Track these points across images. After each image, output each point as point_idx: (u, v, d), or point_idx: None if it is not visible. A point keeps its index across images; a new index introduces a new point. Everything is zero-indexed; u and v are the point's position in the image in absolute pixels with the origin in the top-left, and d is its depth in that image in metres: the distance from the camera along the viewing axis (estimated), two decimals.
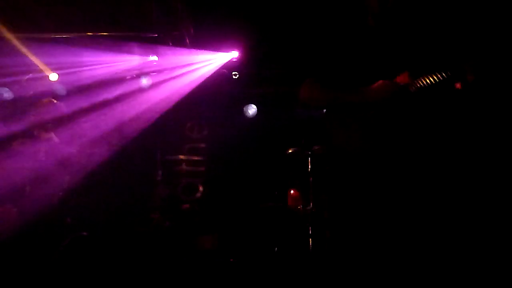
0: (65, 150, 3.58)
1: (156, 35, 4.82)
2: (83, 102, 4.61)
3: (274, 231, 4.46)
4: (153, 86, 5.40)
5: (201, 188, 5.73)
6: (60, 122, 3.66)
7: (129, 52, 5.12)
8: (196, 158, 5.89)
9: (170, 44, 4.97)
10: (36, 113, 3.61)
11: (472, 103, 1.98)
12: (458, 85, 1.86)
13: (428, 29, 2.00)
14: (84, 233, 3.40)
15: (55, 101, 3.74)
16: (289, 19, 4.45)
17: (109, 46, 4.86)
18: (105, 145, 4.32)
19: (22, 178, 3.31)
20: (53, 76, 5.03)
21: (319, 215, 4.03)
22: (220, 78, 5.51)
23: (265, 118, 5.75)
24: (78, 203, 3.68)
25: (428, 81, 1.86)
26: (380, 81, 1.95)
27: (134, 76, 5.40)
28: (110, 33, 4.74)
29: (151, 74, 5.46)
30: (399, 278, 1.90)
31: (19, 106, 4.24)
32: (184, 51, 5.06)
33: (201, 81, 5.38)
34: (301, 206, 4.26)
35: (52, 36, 4.69)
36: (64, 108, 3.77)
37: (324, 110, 2.12)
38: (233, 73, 5.55)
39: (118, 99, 5.11)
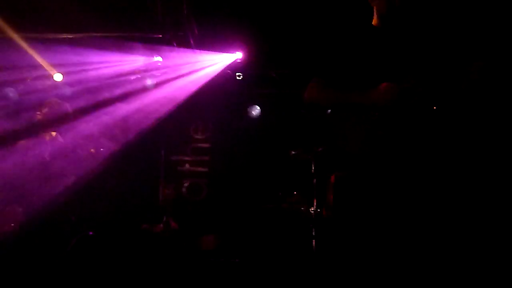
0: (70, 149, 3.59)
1: (161, 35, 4.83)
2: (87, 102, 4.62)
3: (277, 232, 4.45)
4: (157, 86, 5.41)
5: (205, 189, 5.74)
6: (65, 121, 3.67)
7: (134, 52, 5.13)
8: (200, 158, 5.90)
9: (175, 44, 4.98)
10: (41, 113, 3.62)
11: (477, 106, 1.97)
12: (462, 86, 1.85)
13: (435, 31, 2.00)
14: (90, 233, 3.41)
15: (59, 101, 3.76)
16: (294, 20, 4.44)
17: (113, 47, 4.87)
18: (110, 145, 4.33)
19: (27, 178, 3.32)
20: (58, 76, 5.04)
21: (323, 216, 4.02)
22: (224, 79, 5.52)
23: (269, 119, 5.75)
24: (83, 203, 3.69)
25: (425, 87, 1.87)
26: (386, 84, 1.94)
27: (139, 76, 5.41)
28: (114, 34, 4.75)
29: (156, 74, 5.47)
30: (401, 278, 1.90)
31: (24, 106, 4.26)
32: (189, 52, 5.07)
33: (205, 82, 5.39)
34: (304, 208, 4.26)
35: (57, 36, 4.72)
36: (68, 107, 3.78)
37: (329, 111, 2.12)
38: (237, 74, 5.56)
39: (123, 99, 5.12)
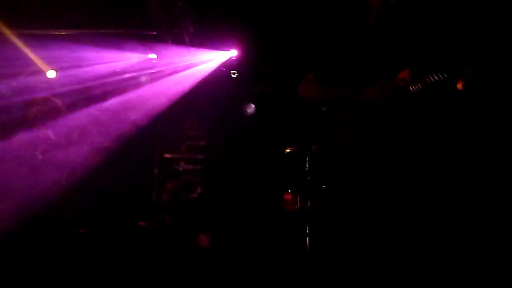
0: (63, 148, 3.57)
1: (155, 33, 4.81)
2: (81, 99, 4.59)
3: (271, 230, 4.46)
4: (152, 84, 5.38)
5: (199, 186, 5.73)
6: (58, 119, 3.64)
7: (128, 49, 5.11)
8: (195, 156, 5.88)
9: (169, 42, 4.96)
10: (32, 110, 3.60)
11: (472, 102, 1.98)
12: (459, 85, 1.85)
13: (430, 28, 2.00)
14: (81, 230, 3.39)
15: (51, 98, 3.73)
16: (290, 17, 4.44)
17: (108, 44, 4.84)
18: (104, 143, 4.31)
19: (19, 176, 3.30)
20: (51, 73, 5.01)
21: (317, 214, 4.02)
22: (219, 76, 5.50)
23: (264, 117, 5.74)
24: (76, 200, 3.68)
25: (428, 81, 1.86)
26: (381, 82, 1.94)
27: (133, 74, 5.39)
28: (109, 31, 4.73)
29: (150, 72, 5.44)
30: (395, 275, 1.90)
31: (16, 102, 4.22)
32: (183, 49, 5.05)
33: (200, 80, 5.37)
34: (299, 205, 4.26)
35: (51, 33, 4.68)
36: (61, 105, 3.76)
37: (323, 109, 2.11)
38: (232, 71, 5.55)
39: (117, 96, 5.10)
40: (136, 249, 4.07)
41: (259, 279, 3.74)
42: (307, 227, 4.01)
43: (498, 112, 2.10)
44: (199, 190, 5.73)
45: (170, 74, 5.41)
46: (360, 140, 1.97)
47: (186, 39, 4.94)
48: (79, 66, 4.98)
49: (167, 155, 5.84)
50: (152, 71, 5.43)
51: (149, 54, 5.29)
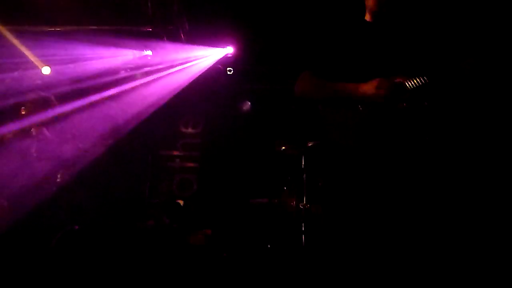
0: (57, 145, 3.55)
1: (151, 29, 4.79)
2: (76, 97, 4.56)
3: (267, 227, 4.46)
4: (147, 81, 5.36)
5: (195, 184, 5.72)
6: (52, 117, 3.62)
7: (123, 46, 5.08)
8: (190, 153, 5.87)
9: (165, 38, 4.94)
10: (28, 107, 3.57)
11: (468, 101, 1.98)
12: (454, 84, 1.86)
13: (426, 25, 2.00)
14: (76, 227, 3.38)
15: (46, 95, 3.71)
16: (286, 14, 4.43)
17: (103, 40, 4.81)
18: (99, 140, 4.29)
19: (13, 173, 3.28)
20: (46, 70, 4.98)
21: (312, 211, 4.03)
22: (215, 73, 5.49)
23: (260, 114, 5.74)
24: (71, 198, 3.66)
25: (417, 82, 1.87)
26: (378, 78, 1.94)
27: (128, 70, 5.36)
28: (104, 27, 4.70)
29: (145, 69, 5.42)
30: (392, 274, 1.91)
31: (11, 100, 4.19)
32: (179, 46, 5.04)
33: (195, 77, 5.36)
34: (294, 203, 4.27)
35: (45, 29, 4.65)
36: (56, 102, 3.73)
37: (319, 106, 2.11)
38: (228, 68, 5.54)
39: (112, 93, 5.07)
40: (131, 247, 4.06)
41: (255, 276, 3.74)
42: (303, 224, 4.01)
43: (494, 108, 2.10)
44: (194, 187, 5.72)
45: (165, 71, 5.39)
46: (356, 136, 1.97)
47: (182, 36, 4.93)
48: (74, 63, 4.95)
49: (162, 153, 5.83)
50: (147, 68, 5.41)
51: (144, 51, 5.26)
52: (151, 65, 5.40)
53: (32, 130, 3.51)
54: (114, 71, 5.21)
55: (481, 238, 2.00)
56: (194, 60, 5.35)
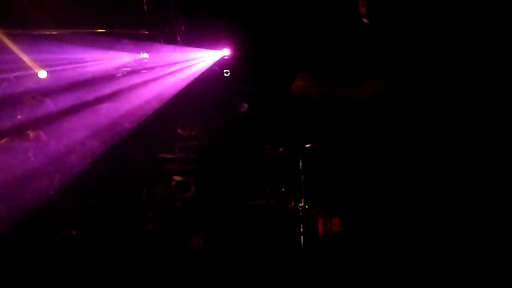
0: (54, 148, 3.54)
1: (147, 32, 4.78)
2: (72, 100, 4.55)
3: (265, 229, 4.45)
4: (144, 84, 5.35)
5: (193, 187, 5.71)
6: (49, 120, 3.61)
7: (120, 49, 5.07)
8: (188, 156, 5.86)
9: (161, 41, 4.93)
10: (25, 111, 3.56)
11: (465, 100, 1.98)
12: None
13: (423, 26, 2.00)
14: (73, 232, 3.37)
15: (41, 99, 3.69)
16: (283, 15, 4.43)
17: (99, 43, 4.80)
18: (96, 143, 4.28)
19: (11, 176, 3.26)
20: (42, 73, 4.96)
21: (311, 212, 4.03)
22: (211, 76, 5.49)
23: (257, 116, 5.74)
24: (68, 202, 3.64)
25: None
26: (375, 78, 1.94)
27: (125, 73, 5.35)
28: (100, 30, 4.69)
29: (142, 71, 5.41)
30: (392, 274, 1.90)
31: (7, 104, 4.18)
32: (175, 48, 5.03)
33: (192, 79, 5.35)
34: (293, 204, 4.26)
35: (41, 33, 4.64)
36: (52, 106, 3.72)
37: (317, 105, 2.11)
38: (225, 70, 5.53)
39: (109, 97, 5.06)
40: (130, 250, 4.05)
41: (254, 278, 3.73)
42: (301, 226, 4.01)
43: (491, 108, 2.11)
44: (192, 190, 5.71)
45: (162, 73, 5.38)
46: (353, 136, 1.97)
47: (178, 39, 4.92)
48: (70, 66, 4.93)
49: (160, 155, 5.82)
50: (144, 71, 5.40)
51: (141, 53, 5.26)
52: (147, 68, 5.39)
53: (29, 134, 3.50)
54: (110, 74, 5.20)
55: (479, 238, 2.00)
56: (191, 62, 5.34)
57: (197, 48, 5.15)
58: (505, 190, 2.04)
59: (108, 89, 5.07)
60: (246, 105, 5.83)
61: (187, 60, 5.32)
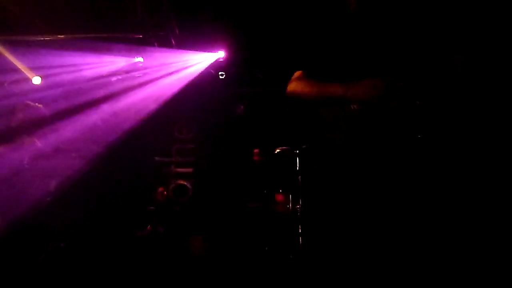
0: (50, 155, 3.52)
1: (141, 36, 4.78)
2: (68, 105, 4.54)
3: (264, 230, 4.45)
4: (139, 87, 5.35)
5: (190, 190, 5.70)
6: (43, 126, 3.59)
7: (114, 53, 5.07)
8: (185, 159, 5.86)
9: (156, 45, 4.93)
10: (19, 118, 3.54)
11: (460, 100, 1.98)
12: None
13: (417, 25, 2.00)
14: (62, 244, 3.36)
15: (35, 105, 3.67)
16: (276, 17, 4.43)
17: (94, 48, 4.80)
18: (92, 149, 4.26)
19: (6, 185, 3.24)
20: (36, 79, 4.95)
21: (308, 213, 4.03)
22: (207, 78, 5.48)
23: (253, 118, 5.74)
24: (65, 208, 3.62)
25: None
26: (370, 78, 1.94)
27: (120, 77, 5.35)
28: (94, 35, 4.69)
29: (137, 75, 5.41)
30: (389, 275, 1.90)
31: (1, 111, 4.17)
32: (170, 51, 5.03)
33: (188, 82, 5.35)
34: (290, 206, 4.26)
35: (36, 39, 4.63)
36: (47, 112, 3.70)
37: (312, 106, 2.10)
38: (220, 73, 5.53)
39: (104, 101, 5.05)
40: (127, 254, 4.03)
41: (252, 280, 3.73)
42: (300, 227, 4.01)
43: (487, 106, 2.10)
44: (190, 193, 5.70)
45: (157, 77, 5.37)
46: (348, 136, 1.96)
47: (173, 42, 4.92)
48: (65, 72, 4.93)
49: (157, 159, 5.81)
50: (139, 74, 5.40)
51: (135, 57, 5.25)
52: (142, 72, 5.39)
53: (23, 140, 3.48)
54: (105, 78, 5.19)
55: (477, 238, 2.00)
56: (185, 65, 5.34)
57: (192, 51, 5.15)
58: (503, 190, 2.04)
59: (103, 93, 5.07)
60: (241, 106, 5.83)
61: (182, 63, 5.32)
